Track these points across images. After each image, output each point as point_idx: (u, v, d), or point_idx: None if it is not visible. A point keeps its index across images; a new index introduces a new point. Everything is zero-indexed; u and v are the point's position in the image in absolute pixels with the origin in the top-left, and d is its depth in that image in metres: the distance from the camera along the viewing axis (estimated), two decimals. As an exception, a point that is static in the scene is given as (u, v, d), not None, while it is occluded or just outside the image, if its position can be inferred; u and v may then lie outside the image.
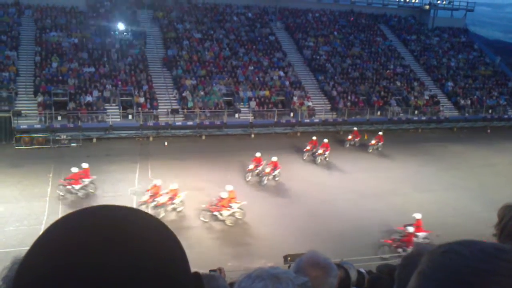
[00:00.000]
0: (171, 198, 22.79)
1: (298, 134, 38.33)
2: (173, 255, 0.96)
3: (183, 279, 0.95)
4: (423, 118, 42.85)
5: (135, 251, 0.89)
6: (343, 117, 39.92)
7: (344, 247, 20.65)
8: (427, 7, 58.33)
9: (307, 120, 39.11)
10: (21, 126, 32.51)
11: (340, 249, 19.81)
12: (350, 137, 35.85)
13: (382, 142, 34.88)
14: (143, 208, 21.24)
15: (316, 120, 39.46)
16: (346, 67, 45.96)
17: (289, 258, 16.68)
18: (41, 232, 0.95)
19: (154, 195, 22.60)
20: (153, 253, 0.91)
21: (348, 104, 41.04)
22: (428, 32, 56.01)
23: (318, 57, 46.41)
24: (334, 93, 42.02)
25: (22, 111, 33.39)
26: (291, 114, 39.12)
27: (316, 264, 2.69)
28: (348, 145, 35.53)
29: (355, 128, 36.57)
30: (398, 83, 45.80)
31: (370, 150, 34.78)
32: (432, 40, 54.82)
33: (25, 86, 35.66)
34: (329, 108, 41.01)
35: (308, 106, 39.95)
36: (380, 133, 35.74)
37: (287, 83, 42.00)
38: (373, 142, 34.90)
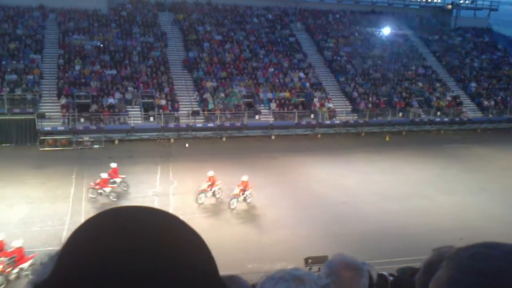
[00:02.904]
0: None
1: (319, 135, 38.19)
2: (202, 260, 0.96)
3: (210, 285, 0.95)
4: (446, 119, 42.28)
5: (163, 256, 0.88)
6: (365, 119, 39.64)
7: (365, 249, 20.50)
8: (450, 6, 57.58)
9: (327, 122, 38.94)
10: (45, 128, 33.04)
11: (361, 251, 19.68)
12: (204, 186, 24.56)
13: (249, 190, 24.57)
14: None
15: (337, 122, 39.27)
16: (367, 68, 45.64)
17: (309, 261, 16.65)
18: (74, 230, 0.96)
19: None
20: (181, 259, 0.90)
21: (370, 105, 40.75)
22: (450, 32, 55.29)
23: (338, 58, 46.18)
24: (355, 94, 41.76)
25: (46, 113, 33.91)
26: (312, 116, 38.99)
27: (348, 266, 2.72)
28: (202, 200, 24.53)
29: (210, 173, 24.95)
30: (420, 84, 45.29)
31: (234, 205, 24.23)
32: (454, 40, 54.09)
33: (49, 89, 36.21)
34: (350, 109, 40.77)
35: (329, 108, 39.77)
36: (245, 178, 24.53)
37: (307, 84, 41.87)
38: (236, 192, 24.36)
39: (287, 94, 40.00)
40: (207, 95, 37.93)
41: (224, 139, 36.29)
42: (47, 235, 20.56)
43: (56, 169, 28.24)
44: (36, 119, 33.01)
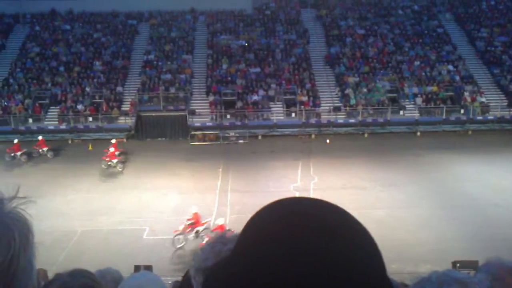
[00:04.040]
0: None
1: (469, 132, 35.64)
2: (377, 262, 0.92)
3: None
4: None
5: (345, 259, 0.86)
6: (523, 114, 36.07)
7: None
8: None
9: (479, 117, 36.11)
10: (195, 124, 35.33)
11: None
12: (182, 227, 20.27)
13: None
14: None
15: (491, 117, 36.21)
16: (527, 58, 41.44)
17: (458, 265, 15.62)
18: (251, 220, 0.95)
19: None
20: (363, 262, 0.88)
21: (529, 99, 36.98)
22: None
23: (493, 48, 42.58)
24: (512, 87, 38.19)
25: (196, 110, 36.21)
26: (462, 111, 36.50)
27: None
28: (182, 243, 20.12)
29: (194, 209, 20.67)
30: None
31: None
32: None
33: (198, 87, 38.67)
34: (505, 104, 37.35)
35: (481, 102, 36.88)
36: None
37: (457, 77, 39.29)
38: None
39: (434, 88, 37.93)
40: (348, 91, 37.47)
41: (366, 135, 35.55)
42: (197, 224, 21.88)
43: (204, 162, 30.01)
44: (187, 115, 35.40)
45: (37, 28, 44.55)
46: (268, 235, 0.88)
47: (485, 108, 36.64)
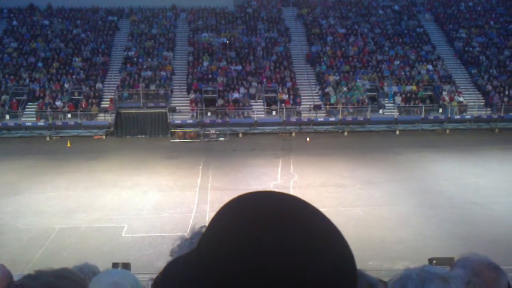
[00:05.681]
0: None
1: (447, 131, 36.19)
2: (346, 254, 0.90)
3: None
4: None
5: (312, 250, 0.84)
6: (499, 114, 36.70)
7: (496, 254, 19.00)
8: None
9: (457, 117, 36.69)
10: (176, 121, 35.17)
11: (491, 256, 18.27)
12: None
13: None
14: None
15: (468, 117, 36.82)
16: (503, 59, 42.16)
17: (434, 262, 15.83)
18: (217, 214, 0.95)
19: None
20: (329, 254, 0.86)
21: (505, 99, 37.64)
22: None
23: (471, 49, 43.24)
24: (489, 87, 38.82)
25: (177, 107, 36.06)
26: (440, 110, 37.03)
27: (490, 266, 2.57)
28: None
29: None
30: None
31: None
32: None
33: (179, 84, 38.50)
34: (482, 103, 38.02)
35: (459, 102, 37.46)
36: None
37: (436, 77, 39.83)
38: None
39: (413, 88, 38.40)
40: (329, 89, 37.70)
41: (345, 133, 35.85)
42: (176, 221, 21.86)
43: (185, 159, 29.94)
44: (168, 113, 35.25)
45: (15, 23, 43.85)
46: (233, 228, 0.87)
47: (462, 108, 37.22)
